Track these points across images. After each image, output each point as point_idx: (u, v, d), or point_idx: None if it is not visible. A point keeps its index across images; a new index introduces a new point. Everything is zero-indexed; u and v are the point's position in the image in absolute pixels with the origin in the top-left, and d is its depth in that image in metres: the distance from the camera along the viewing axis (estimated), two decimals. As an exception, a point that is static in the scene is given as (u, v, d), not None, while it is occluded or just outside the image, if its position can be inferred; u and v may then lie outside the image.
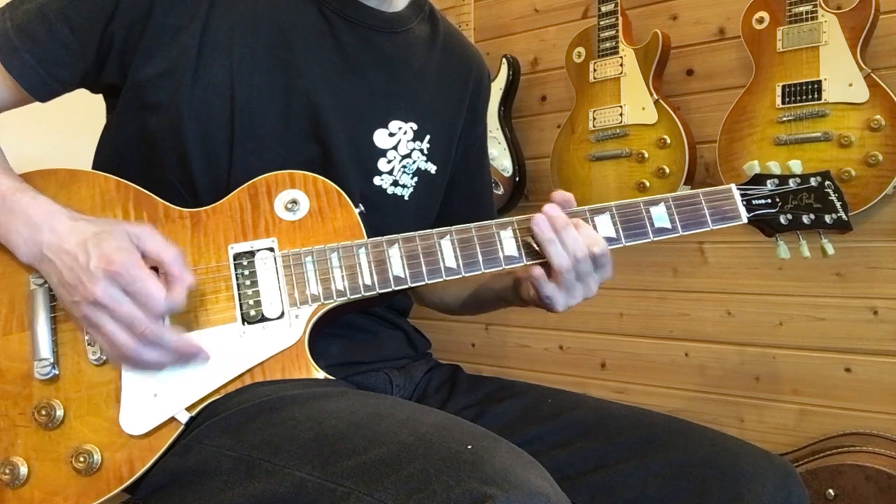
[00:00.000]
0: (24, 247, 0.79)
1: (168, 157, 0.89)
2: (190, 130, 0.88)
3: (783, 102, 1.56)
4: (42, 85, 0.88)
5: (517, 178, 2.04)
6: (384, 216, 0.96)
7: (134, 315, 0.74)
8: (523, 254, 0.87)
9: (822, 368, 1.70)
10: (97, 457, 0.77)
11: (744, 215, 0.91)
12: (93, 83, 0.92)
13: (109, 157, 0.95)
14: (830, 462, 1.51)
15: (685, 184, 1.71)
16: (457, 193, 1.11)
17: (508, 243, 0.87)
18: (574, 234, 0.85)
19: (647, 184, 1.75)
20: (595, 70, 1.84)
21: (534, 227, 0.85)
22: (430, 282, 0.85)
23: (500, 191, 2.05)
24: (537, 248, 0.86)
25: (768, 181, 0.93)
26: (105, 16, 0.86)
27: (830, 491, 1.47)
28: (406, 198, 1.00)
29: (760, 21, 1.61)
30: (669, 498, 0.80)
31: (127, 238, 0.76)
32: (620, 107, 1.79)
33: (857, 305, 1.65)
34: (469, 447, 0.63)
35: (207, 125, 0.88)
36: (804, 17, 1.53)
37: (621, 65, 1.80)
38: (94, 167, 0.96)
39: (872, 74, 1.47)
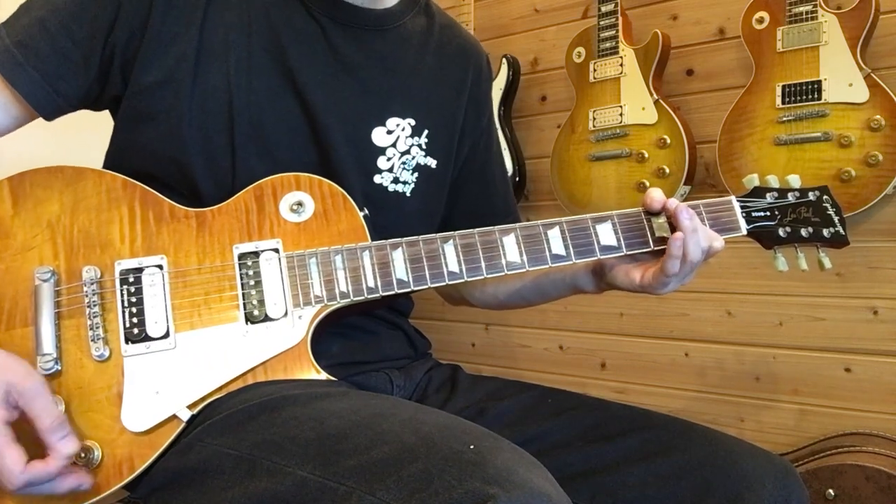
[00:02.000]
0: None
1: (169, 166, 0.88)
2: (191, 137, 0.87)
3: (783, 102, 1.56)
4: (48, 100, 0.87)
5: (517, 178, 2.05)
6: (387, 214, 0.96)
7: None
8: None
9: (822, 368, 1.70)
10: (97, 453, 0.77)
11: (743, 227, 0.93)
12: (95, 99, 0.91)
13: (113, 167, 0.94)
14: (830, 462, 1.51)
15: (685, 184, 1.72)
16: (467, 187, 1.11)
17: (511, 248, 0.88)
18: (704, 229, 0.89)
19: (647, 184, 1.75)
20: (595, 70, 1.84)
21: (682, 215, 0.87)
22: (433, 286, 0.86)
23: (500, 191, 2.05)
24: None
25: (767, 194, 0.95)
26: (106, 26, 0.86)
27: (830, 491, 1.48)
28: (408, 194, 1.00)
29: (760, 21, 1.61)
30: (669, 498, 0.80)
31: (5, 394, 0.71)
32: (620, 107, 1.79)
33: (857, 305, 1.65)
34: (471, 447, 0.63)
35: (207, 131, 0.88)
36: (804, 17, 1.53)
37: (621, 65, 1.80)
38: None
39: (872, 74, 1.48)
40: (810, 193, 0.95)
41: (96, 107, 0.94)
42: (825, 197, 0.95)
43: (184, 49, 0.87)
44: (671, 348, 1.92)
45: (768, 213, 0.94)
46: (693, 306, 1.88)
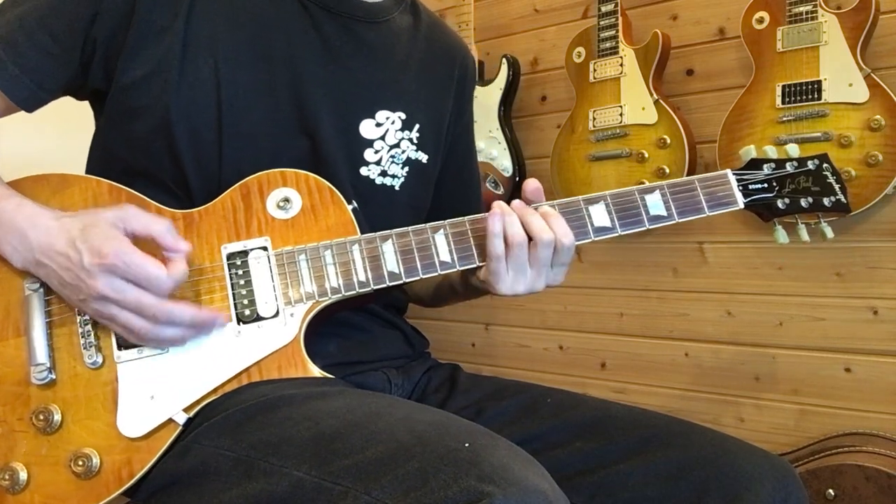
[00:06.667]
0: (16, 255, 0.79)
1: (160, 158, 0.88)
2: (179, 130, 0.87)
3: (783, 102, 1.56)
4: (29, 95, 0.87)
5: (517, 178, 2.04)
6: (374, 207, 0.96)
7: (140, 300, 0.75)
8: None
9: (822, 368, 1.70)
10: (96, 460, 0.77)
11: (740, 200, 0.90)
12: (77, 90, 0.92)
13: (101, 160, 0.94)
14: (830, 462, 1.50)
15: (685, 184, 1.71)
16: (445, 185, 1.10)
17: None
18: (534, 216, 0.84)
19: (647, 184, 1.75)
20: (595, 70, 1.84)
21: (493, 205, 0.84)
22: (424, 276, 0.85)
23: (500, 191, 2.04)
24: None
25: (765, 165, 0.92)
26: (86, 21, 0.86)
27: (830, 491, 1.47)
28: (397, 188, 0.99)
29: (760, 21, 1.61)
30: (669, 498, 0.80)
31: (111, 225, 0.76)
32: (620, 107, 1.79)
33: (857, 305, 1.65)
34: (467, 445, 0.63)
35: (195, 124, 0.88)
36: (804, 17, 1.53)
37: (621, 65, 1.79)
38: (87, 172, 0.96)
39: (872, 74, 1.47)
40: (809, 162, 0.92)
41: (78, 96, 0.94)
42: (825, 165, 0.92)
43: (170, 42, 0.87)
44: (671, 348, 1.92)
45: (766, 185, 0.91)
46: (693, 306, 1.88)
